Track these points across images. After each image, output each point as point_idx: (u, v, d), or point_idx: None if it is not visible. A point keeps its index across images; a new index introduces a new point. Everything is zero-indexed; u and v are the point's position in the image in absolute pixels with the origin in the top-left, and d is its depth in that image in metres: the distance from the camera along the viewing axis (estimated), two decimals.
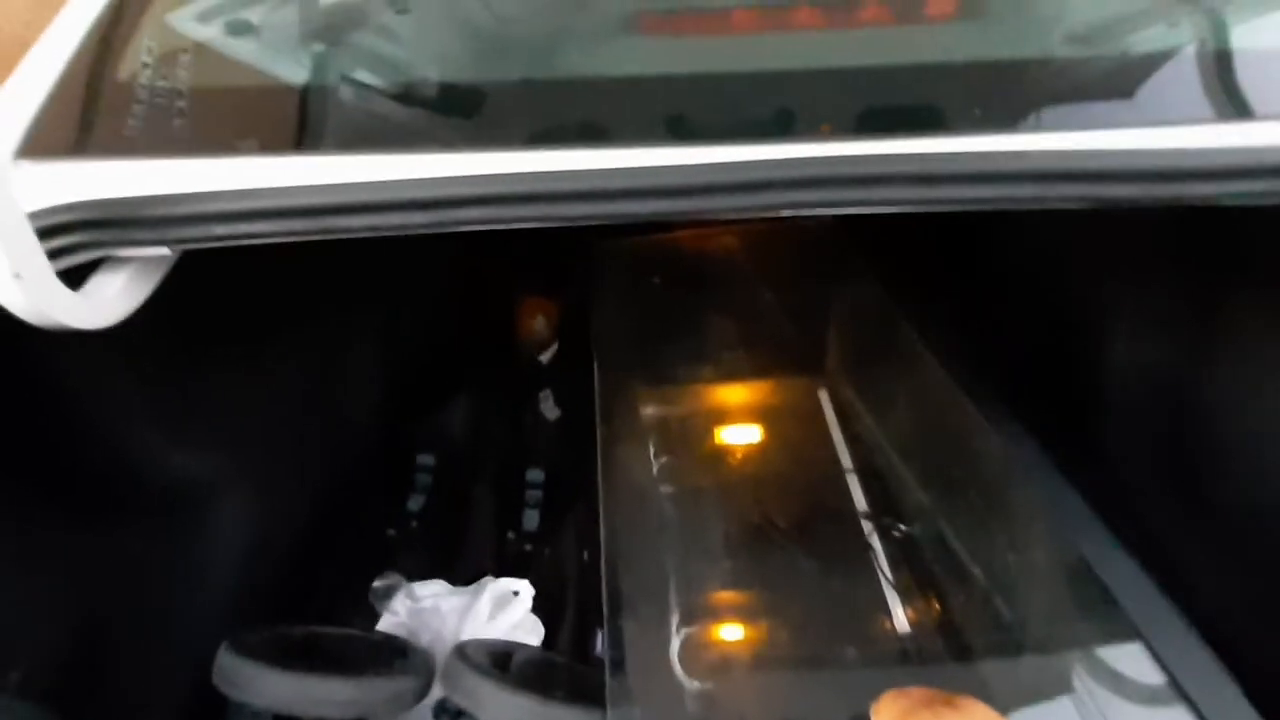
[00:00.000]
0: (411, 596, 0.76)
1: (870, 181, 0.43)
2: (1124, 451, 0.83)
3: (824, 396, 1.20)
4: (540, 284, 1.29)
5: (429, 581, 0.80)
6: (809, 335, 1.28)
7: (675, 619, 0.62)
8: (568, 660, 0.64)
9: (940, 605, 0.84)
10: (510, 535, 0.89)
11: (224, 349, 0.72)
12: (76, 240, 0.46)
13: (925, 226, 0.69)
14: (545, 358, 1.30)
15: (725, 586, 0.78)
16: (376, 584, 0.70)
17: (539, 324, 1.30)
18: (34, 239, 0.42)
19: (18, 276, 0.41)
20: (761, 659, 0.69)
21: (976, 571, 0.82)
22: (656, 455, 0.92)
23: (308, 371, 0.84)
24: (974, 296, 1.04)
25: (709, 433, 1.09)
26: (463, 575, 0.81)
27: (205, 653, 0.57)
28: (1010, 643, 0.73)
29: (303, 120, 0.54)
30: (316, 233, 0.48)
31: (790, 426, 1.16)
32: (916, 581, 0.88)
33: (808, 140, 0.46)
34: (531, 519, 0.93)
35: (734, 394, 1.22)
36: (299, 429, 0.84)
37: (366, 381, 0.94)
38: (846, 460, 1.07)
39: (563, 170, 0.44)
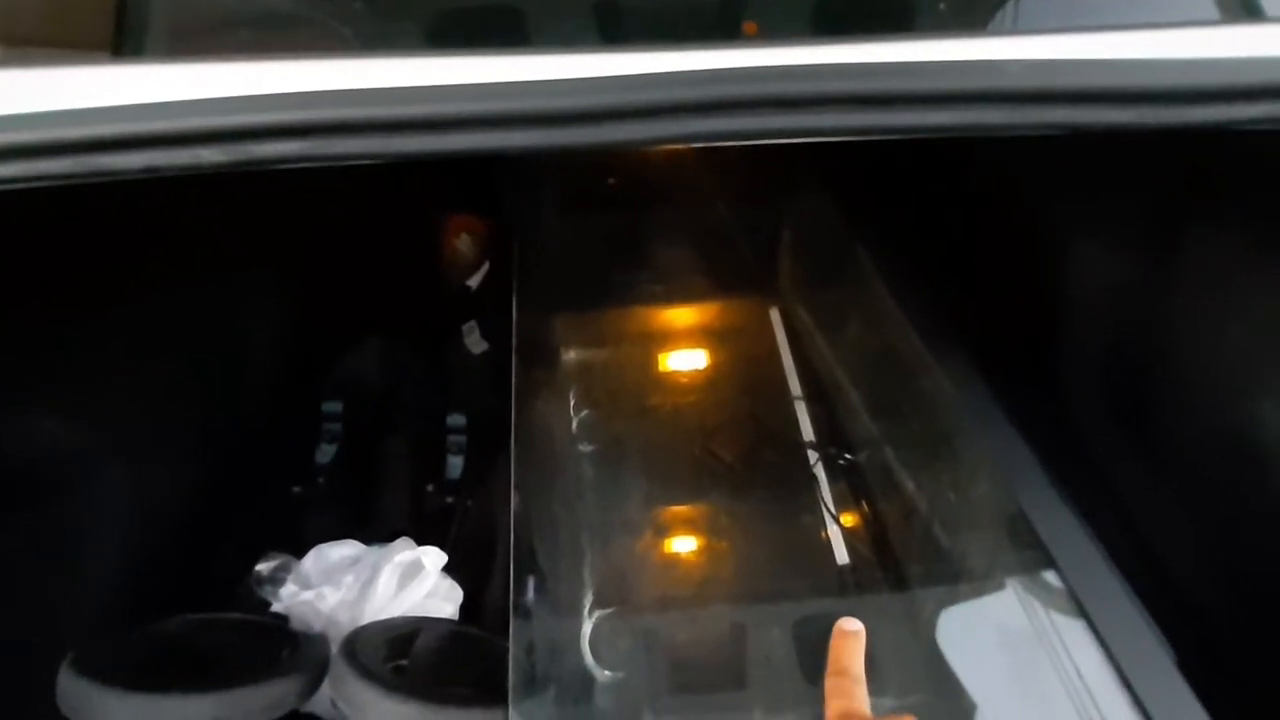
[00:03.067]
0: (320, 563, 0.70)
1: (798, 105, 0.33)
2: (1075, 381, 0.81)
3: (775, 317, 1.15)
4: (464, 199, 1.15)
5: (341, 543, 0.74)
6: (761, 253, 1.20)
7: (590, 579, 0.58)
8: (479, 633, 0.59)
9: (880, 536, 0.83)
10: (429, 488, 0.83)
11: (80, 299, 0.61)
12: None
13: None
14: (473, 283, 1.19)
15: (659, 528, 0.74)
16: (260, 567, 0.63)
17: (464, 244, 1.17)
18: None
19: None
20: (688, 609, 0.66)
21: (917, 503, 0.80)
22: (588, 390, 0.85)
23: (189, 318, 0.72)
24: (929, 217, 0.96)
25: (650, 360, 1.02)
26: (378, 533, 0.75)
27: None
28: (946, 574, 0.73)
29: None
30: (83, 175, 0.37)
31: (739, 350, 1.11)
32: (859, 512, 0.87)
33: (721, 47, 0.35)
34: (454, 467, 0.86)
35: (682, 316, 1.16)
36: (181, 383, 0.73)
37: (262, 323, 0.83)
38: (796, 387, 1.03)
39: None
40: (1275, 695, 0.59)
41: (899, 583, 0.75)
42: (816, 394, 1.00)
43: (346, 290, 0.90)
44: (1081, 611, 0.54)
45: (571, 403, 0.75)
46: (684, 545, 0.73)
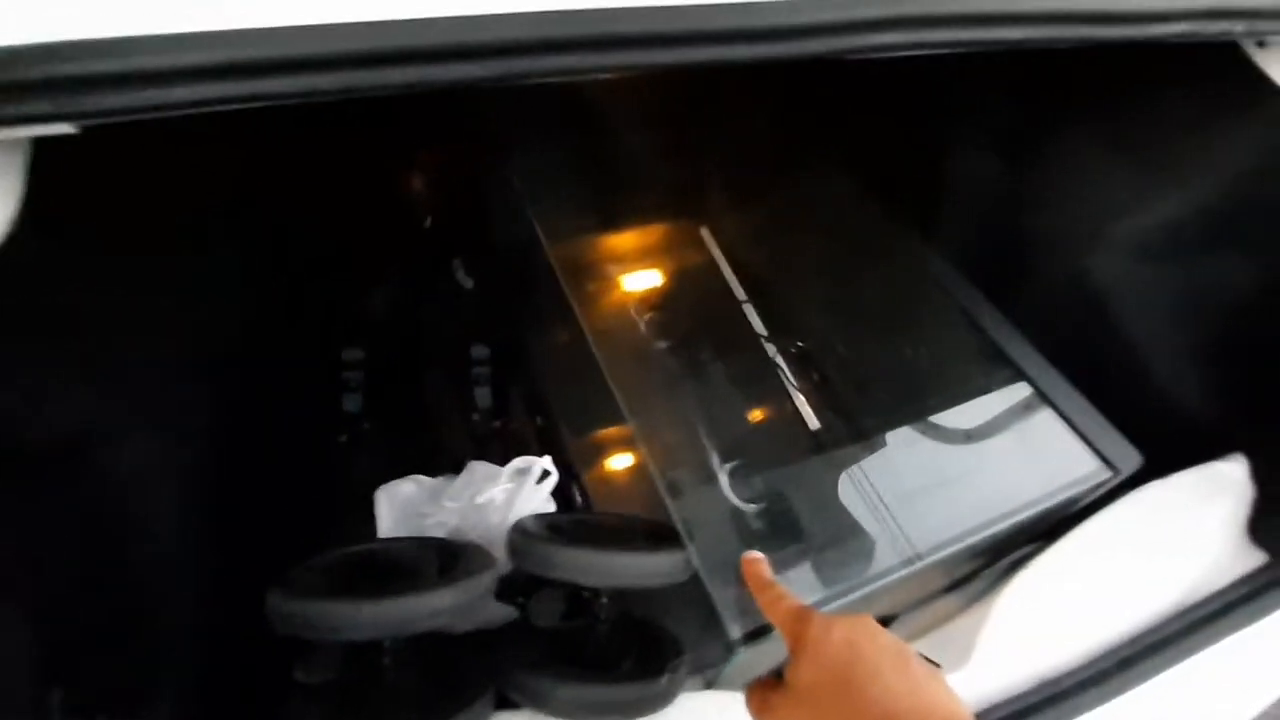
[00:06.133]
0: (395, 500, 0.71)
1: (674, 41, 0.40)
2: (964, 252, 1.00)
3: (706, 235, 1.25)
4: (410, 140, 1.10)
5: (405, 479, 0.75)
6: (690, 175, 1.29)
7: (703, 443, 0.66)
8: (603, 515, 0.67)
9: (839, 399, 1.00)
10: (475, 416, 0.85)
11: (89, 266, 0.55)
12: None
13: None
14: (430, 221, 1.16)
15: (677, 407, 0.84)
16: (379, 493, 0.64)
17: (418, 184, 1.14)
18: None
19: None
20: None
21: (871, 361, 0.96)
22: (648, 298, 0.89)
23: (200, 285, 0.66)
24: (846, 130, 1.10)
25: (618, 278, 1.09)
26: (441, 466, 0.77)
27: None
28: (917, 408, 0.89)
29: None
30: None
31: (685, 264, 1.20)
32: (818, 385, 1.02)
33: None
34: (484, 396, 0.89)
35: (629, 240, 1.22)
36: (197, 350, 0.68)
37: (273, 282, 0.77)
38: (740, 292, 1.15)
39: None
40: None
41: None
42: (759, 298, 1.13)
43: (345, 244, 0.86)
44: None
45: (633, 309, 0.82)
46: (736, 419, 0.83)
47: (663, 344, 0.80)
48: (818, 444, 0.88)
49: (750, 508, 0.61)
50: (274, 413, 0.77)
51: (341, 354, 0.84)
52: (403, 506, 0.71)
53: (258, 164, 0.74)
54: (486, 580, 0.51)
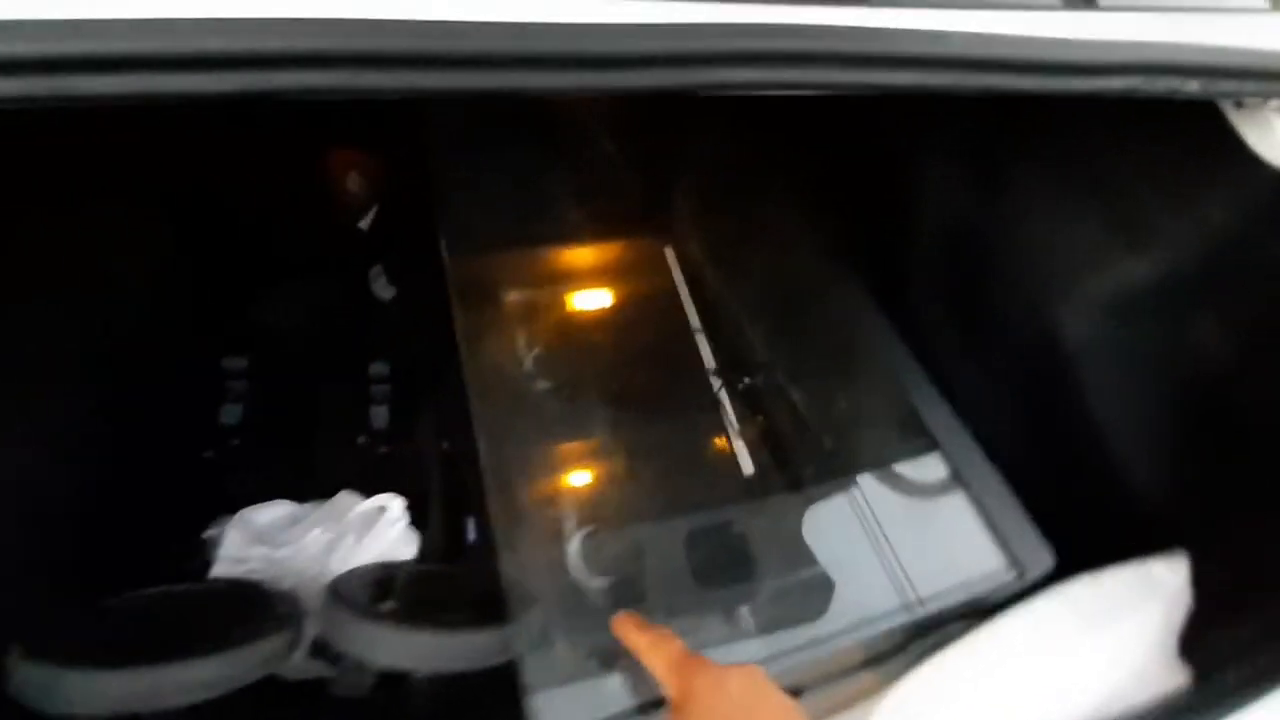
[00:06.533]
0: (249, 528, 0.67)
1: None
2: (924, 297, 0.94)
3: (670, 256, 1.20)
4: (350, 131, 1.06)
5: (270, 504, 0.70)
6: (655, 191, 1.24)
7: (564, 512, 0.62)
8: (447, 569, 0.61)
9: (777, 445, 0.94)
10: (361, 439, 0.80)
11: None
12: None
13: None
14: (365, 224, 1.11)
15: (595, 461, 0.79)
16: (209, 533, 0.59)
17: (352, 182, 1.09)
18: None
19: None
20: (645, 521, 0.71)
21: (807, 411, 0.91)
22: (521, 332, 0.86)
23: (56, 284, 0.62)
24: (811, 160, 1.06)
25: (563, 301, 1.04)
26: (314, 491, 0.72)
27: None
28: (835, 468, 0.84)
29: None
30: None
31: (638, 288, 1.15)
32: (760, 428, 0.97)
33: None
34: (380, 416, 0.84)
35: (581, 256, 1.17)
36: (49, 358, 0.64)
37: (146, 279, 0.73)
38: (695, 319, 1.10)
39: None
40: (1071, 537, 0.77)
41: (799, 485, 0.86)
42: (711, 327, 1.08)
43: (243, 236, 0.82)
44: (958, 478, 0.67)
45: (521, 342, 0.76)
46: (622, 468, 0.78)
47: (545, 384, 0.74)
48: (749, 490, 0.83)
49: (598, 581, 0.55)
50: (147, 423, 0.72)
51: (222, 362, 0.79)
52: (257, 536, 0.67)
53: (163, 158, 0.70)
54: (268, 648, 0.46)
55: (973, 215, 0.92)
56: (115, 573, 0.61)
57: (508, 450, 0.60)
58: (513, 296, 0.88)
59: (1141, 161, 0.79)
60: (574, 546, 0.55)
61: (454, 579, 0.60)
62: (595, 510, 0.62)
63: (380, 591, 0.55)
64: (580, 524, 0.57)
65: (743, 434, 0.93)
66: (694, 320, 1.10)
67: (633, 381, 0.99)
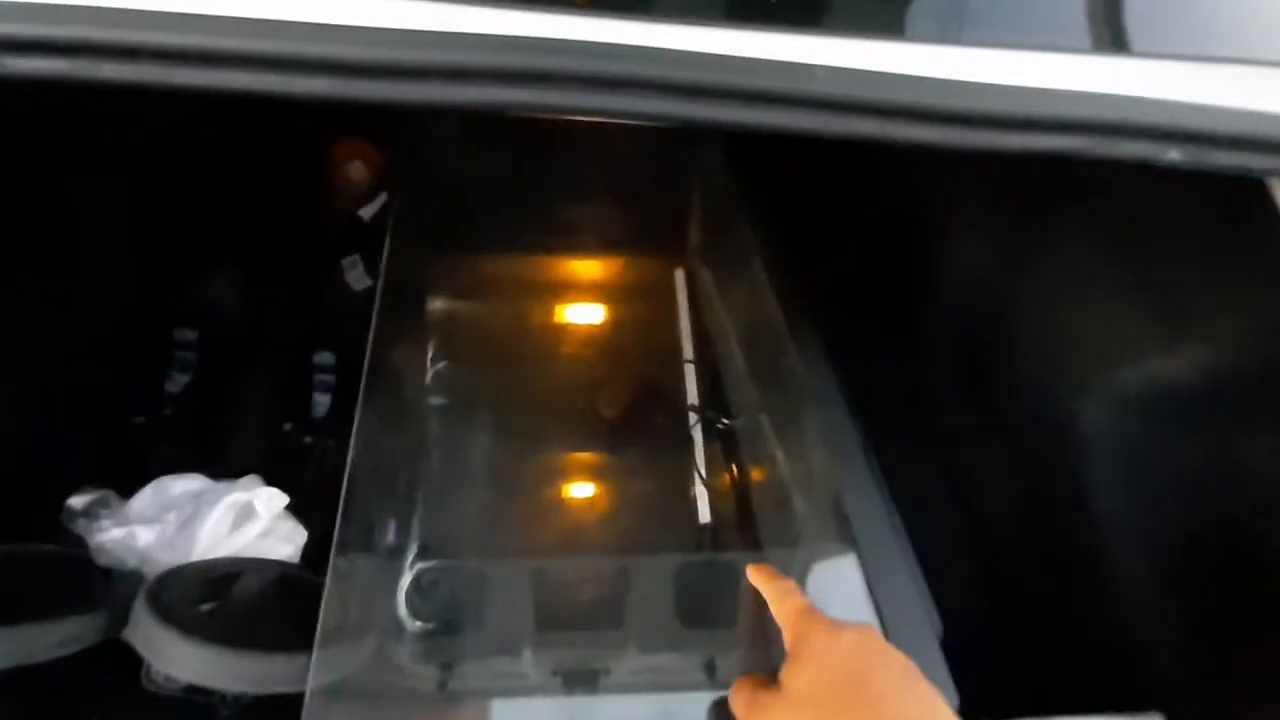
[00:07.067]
0: (161, 496, 0.67)
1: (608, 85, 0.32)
2: (932, 360, 0.86)
3: (679, 279, 1.15)
4: (360, 121, 1.08)
5: (184, 476, 0.71)
6: (670, 212, 1.19)
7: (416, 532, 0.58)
8: (309, 577, 0.59)
9: (742, 499, 0.87)
10: (287, 426, 0.80)
11: None
12: None
13: None
14: (366, 214, 1.13)
15: (506, 480, 0.74)
16: (73, 500, 0.60)
17: (355, 171, 1.11)
18: None
19: None
20: (521, 562, 0.67)
21: (776, 468, 0.84)
22: (450, 340, 0.83)
23: (20, 226, 0.65)
24: (821, 196, 0.98)
25: (528, 313, 1.01)
26: (228, 470, 0.72)
27: None
28: (788, 539, 0.77)
29: None
30: None
31: (637, 309, 1.11)
32: (729, 475, 0.90)
33: (548, 10, 0.33)
34: (320, 406, 0.83)
35: (574, 270, 1.14)
36: (8, 294, 0.67)
37: (107, 239, 0.76)
38: (688, 349, 1.05)
39: None
40: (1069, 657, 0.66)
41: (751, 546, 0.79)
42: (707, 359, 1.02)
43: (210, 211, 0.84)
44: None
45: (430, 353, 0.74)
46: (531, 503, 0.74)
47: (440, 399, 0.70)
48: (697, 539, 0.79)
49: (417, 624, 0.50)
50: (89, 379, 0.75)
51: (174, 332, 0.81)
52: (159, 505, 0.67)
53: (130, 118, 0.72)
54: (65, 630, 0.45)
55: (997, 280, 0.83)
56: (19, 517, 0.63)
57: (376, 459, 0.56)
58: (446, 305, 0.85)
59: (1191, 244, 0.68)
60: (405, 581, 0.51)
61: (306, 588, 0.57)
62: (452, 541, 0.58)
63: (214, 590, 0.53)
64: (422, 556, 0.53)
65: (711, 479, 0.87)
66: (687, 350, 1.05)
67: (598, 406, 0.94)
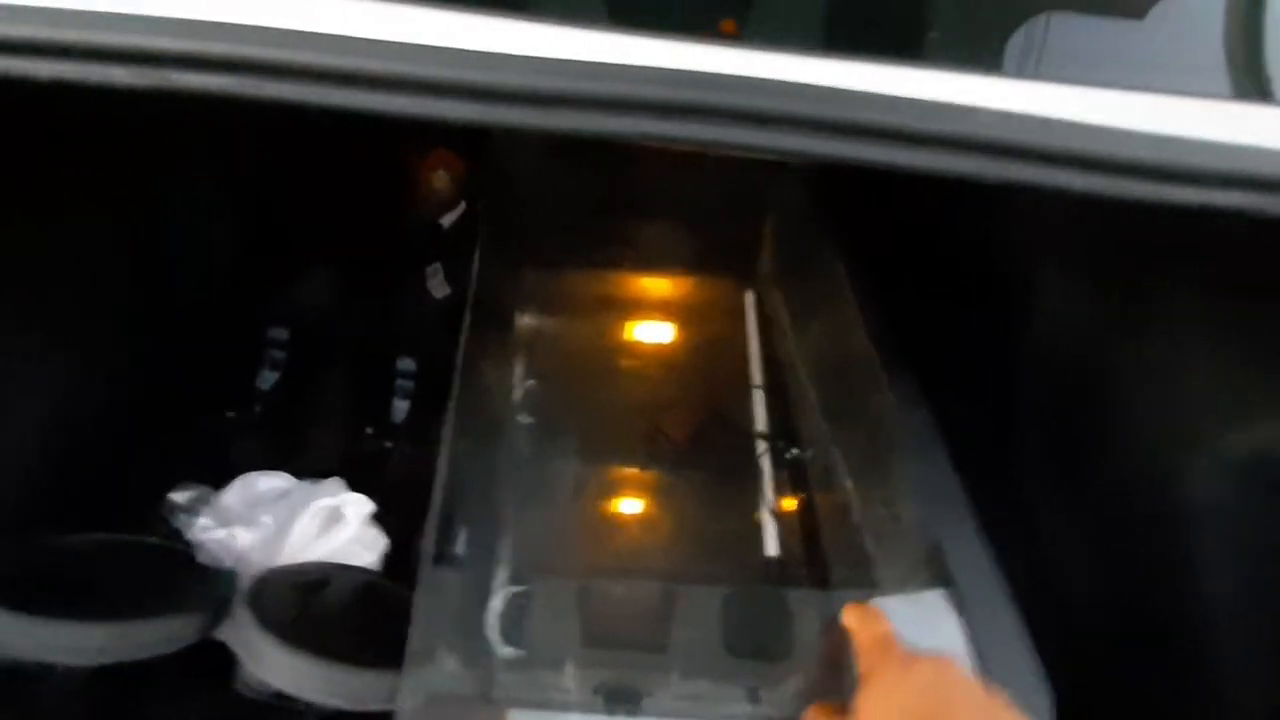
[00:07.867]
0: (249, 491, 0.69)
1: (761, 121, 0.31)
2: (1019, 417, 0.82)
3: (750, 301, 1.14)
4: (446, 135, 1.10)
5: (270, 473, 0.72)
6: (744, 235, 1.17)
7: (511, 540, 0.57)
8: (392, 586, 0.59)
9: (811, 535, 0.84)
10: (368, 429, 0.81)
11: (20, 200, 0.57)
12: None
13: None
14: (447, 222, 1.15)
15: (590, 505, 0.74)
16: (175, 495, 0.61)
17: (439, 181, 1.13)
18: None
19: None
20: (603, 589, 0.66)
21: (853, 507, 0.81)
22: (538, 357, 0.83)
23: (119, 229, 0.68)
24: (911, 231, 0.95)
25: (614, 329, 1.01)
26: (310, 469, 0.73)
27: None
28: (861, 580, 0.74)
29: None
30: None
31: (707, 331, 1.10)
32: (798, 507, 0.87)
33: (692, 41, 0.32)
34: (399, 411, 0.84)
35: (653, 288, 1.14)
36: (115, 290, 0.70)
37: (209, 241, 0.79)
38: (757, 375, 1.03)
39: None
40: None
41: (818, 583, 0.76)
42: (776, 386, 1.00)
43: (304, 216, 0.86)
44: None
45: (518, 369, 0.74)
46: (611, 524, 0.73)
47: (526, 417, 0.70)
48: (765, 572, 0.76)
49: (509, 651, 0.50)
50: (185, 374, 0.77)
51: (268, 330, 0.83)
52: (255, 500, 0.68)
53: (237, 128, 0.75)
54: (166, 629, 0.46)
55: (1098, 336, 0.79)
56: (111, 504, 0.65)
57: (465, 473, 0.56)
58: (531, 320, 0.85)
59: None
60: (495, 604, 0.50)
61: (390, 598, 0.57)
62: (541, 565, 0.57)
63: (305, 596, 0.53)
64: (512, 580, 0.52)
65: (779, 510, 0.85)
66: (756, 375, 1.03)
67: (667, 428, 0.93)
